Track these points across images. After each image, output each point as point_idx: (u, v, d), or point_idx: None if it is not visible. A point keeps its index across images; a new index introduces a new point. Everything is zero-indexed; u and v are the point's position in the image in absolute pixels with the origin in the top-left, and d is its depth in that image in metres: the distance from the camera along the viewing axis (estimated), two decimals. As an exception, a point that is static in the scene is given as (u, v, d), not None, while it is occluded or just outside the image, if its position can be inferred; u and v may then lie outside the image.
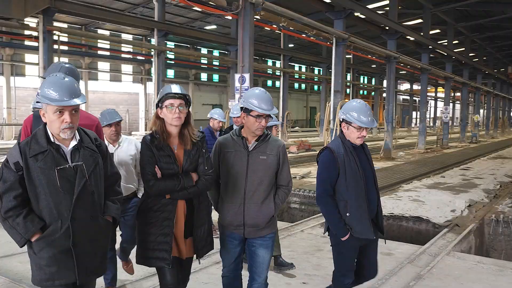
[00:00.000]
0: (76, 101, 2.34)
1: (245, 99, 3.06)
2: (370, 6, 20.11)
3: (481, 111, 39.27)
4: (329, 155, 3.17)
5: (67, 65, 3.24)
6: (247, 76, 10.12)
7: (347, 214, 3.12)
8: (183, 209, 2.87)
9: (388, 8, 19.11)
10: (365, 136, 3.16)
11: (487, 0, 21.88)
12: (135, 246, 3.00)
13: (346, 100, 33.79)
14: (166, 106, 2.77)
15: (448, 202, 8.38)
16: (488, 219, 7.68)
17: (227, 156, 3.09)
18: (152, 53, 18.82)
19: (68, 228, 2.34)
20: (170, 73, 34.64)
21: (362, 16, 17.60)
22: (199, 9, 16.05)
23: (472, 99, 44.44)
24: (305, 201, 9.17)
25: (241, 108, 3.09)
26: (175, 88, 2.81)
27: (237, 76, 10.35)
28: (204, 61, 34.07)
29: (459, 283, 4.66)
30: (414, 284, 4.52)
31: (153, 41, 18.93)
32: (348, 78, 38.28)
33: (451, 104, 46.52)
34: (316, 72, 41.49)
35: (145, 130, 29.80)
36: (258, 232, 3.11)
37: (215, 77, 38.20)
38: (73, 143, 2.42)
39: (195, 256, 3.00)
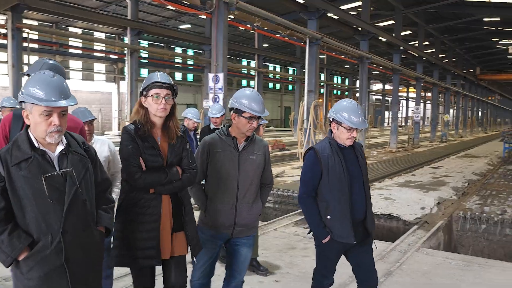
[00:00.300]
0: (67, 102, 2.11)
1: (237, 99, 3.05)
2: (343, 7, 20.37)
3: (451, 111, 40.23)
4: (313, 155, 3.10)
5: (51, 62, 2.94)
6: (221, 75, 10.09)
7: (328, 216, 3.05)
8: (168, 204, 2.73)
9: (361, 9, 19.37)
10: (355, 137, 3.08)
11: (456, 3, 22.41)
12: None
13: (320, 100, 34.14)
14: (151, 95, 2.63)
15: (418, 200, 8.57)
16: (456, 216, 7.90)
17: (216, 156, 3.05)
18: (125, 52, 18.59)
19: (59, 242, 2.08)
20: (144, 72, 34.21)
21: (336, 17, 17.76)
22: (173, 8, 15.91)
23: (442, 99, 45.52)
24: (278, 200, 9.22)
25: (231, 108, 3.09)
26: (163, 77, 2.67)
27: (211, 75, 10.31)
28: (178, 60, 33.81)
29: (428, 278, 4.78)
30: (384, 280, 4.60)
31: (126, 39, 18.67)
32: (322, 78, 38.66)
33: (422, 104, 47.56)
34: (290, 72, 41.71)
35: (118, 130, 29.37)
36: (246, 232, 3.14)
37: (190, 76, 38.00)
38: (60, 147, 2.18)
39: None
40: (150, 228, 2.64)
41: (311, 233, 3.24)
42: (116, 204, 2.68)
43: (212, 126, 6.19)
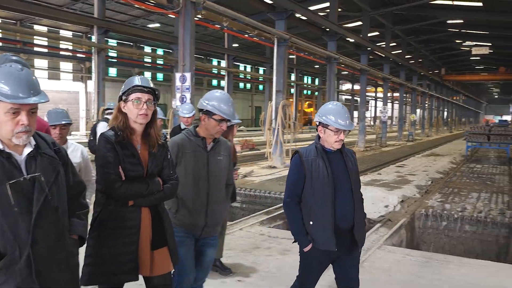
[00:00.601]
0: (37, 99, 1.87)
1: (208, 101, 3.05)
2: (312, 8, 20.56)
3: (418, 110, 41.21)
4: (297, 159, 3.02)
5: (14, 57, 2.67)
6: (188, 75, 10.04)
7: (310, 222, 2.95)
8: (148, 218, 2.55)
9: (329, 10, 19.59)
10: (343, 140, 2.98)
11: (421, 5, 22.98)
12: None
13: (291, 99, 34.18)
14: (132, 100, 2.47)
15: (382, 198, 8.74)
16: (419, 214, 8.08)
17: (187, 157, 3.04)
18: (92, 50, 18.25)
19: (29, 254, 1.87)
20: (113, 71, 33.75)
21: (304, 18, 17.91)
22: (140, 7, 15.70)
23: (409, 99, 46.54)
24: (245, 199, 9.25)
25: (200, 109, 3.09)
26: (144, 81, 2.51)
27: (178, 75, 10.24)
28: (148, 59, 33.42)
29: (388, 275, 4.87)
30: (345, 278, 4.67)
31: (94, 38, 18.33)
32: (292, 78, 38.95)
33: (390, 104, 48.52)
34: (261, 71, 41.83)
35: (86, 130, 28.79)
36: (213, 232, 3.17)
37: (159, 76, 37.62)
38: (28, 149, 1.95)
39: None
40: (129, 242, 2.46)
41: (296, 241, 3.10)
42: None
43: (182, 126, 6.18)
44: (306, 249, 2.96)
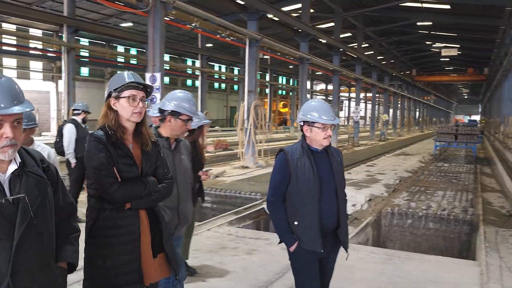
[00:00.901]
0: (21, 108, 1.68)
1: (171, 101, 3.07)
2: (285, 9, 20.71)
3: (391, 110, 41.94)
4: (282, 157, 2.95)
5: None
6: (158, 75, 9.99)
7: (295, 222, 2.87)
8: (146, 221, 2.41)
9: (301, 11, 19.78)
10: (330, 136, 2.91)
11: (392, 7, 23.42)
12: None
13: (266, 99, 34.13)
14: (127, 97, 2.34)
15: (350, 197, 8.82)
16: (385, 212, 8.26)
17: None
18: (62, 50, 17.91)
19: (8, 286, 1.66)
20: (85, 71, 33.20)
21: (276, 19, 18.01)
22: (110, 6, 15.46)
23: (382, 99, 47.35)
24: (216, 200, 9.27)
25: (162, 110, 3.11)
26: (136, 77, 2.39)
27: (148, 75, 10.17)
28: (121, 59, 32.98)
29: (351, 272, 4.97)
30: (309, 276, 4.75)
31: (64, 37, 17.99)
32: (267, 78, 39.10)
33: (363, 104, 49.18)
34: (236, 72, 41.83)
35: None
36: (181, 231, 3.22)
37: (133, 75, 37.13)
38: (12, 167, 1.75)
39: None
40: (130, 249, 2.30)
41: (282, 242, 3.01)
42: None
43: (153, 126, 6.16)
44: (292, 248, 2.88)
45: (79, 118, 7.01)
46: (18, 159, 1.78)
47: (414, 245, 7.83)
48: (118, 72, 2.48)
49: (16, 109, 1.67)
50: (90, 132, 2.44)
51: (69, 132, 6.77)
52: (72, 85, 17.39)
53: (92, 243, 2.30)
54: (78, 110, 7.10)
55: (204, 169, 4.36)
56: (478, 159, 17.75)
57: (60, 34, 27.47)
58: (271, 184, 2.99)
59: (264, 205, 8.13)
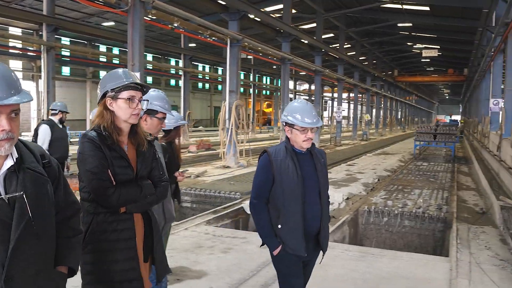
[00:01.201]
0: (19, 98, 1.53)
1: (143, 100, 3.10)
2: (268, 9, 20.81)
3: (374, 110, 42.38)
4: (265, 159, 2.87)
5: None
6: (137, 75, 9.93)
7: (279, 225, 2.80)
8: (141, 225, 2.34)
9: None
10: (311, 138, 2.83)
11: (373, 8, 23.70)
12: None
13: (250, 100, 34.17)
14: (127, 98, 2.26)
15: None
16: (362, 210, 8.38)
17: None
18: (42, 49, 17.71)
19: None
20: (66, 70, 32.83)
21: (258, 19, 18.09)
22: (89, 5, 15.34)
23: (365, 99, 47.79)
24: (196, 199, 9.29)
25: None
26: (134, 76, 2.31)
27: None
28: (103, 59, 32.69)
29: (324, 270, 5.04)
30: (282, 274, 4.82)
31: (43, 36, 17.79)
32: (251, 78, 39.17)
33: (346, 104, 49.61)
34: (219, 72, 41.81)
35: (37, 130, 27.91)
36: (167, 228, 3.34)
37: (115, 75, 36.85)
38: (9, 163, 1.60)
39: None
40: (129, 256, 2.24)
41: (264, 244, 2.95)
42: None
43: None
44: (276, 251, 2.82)
45: (56, 118, 6.94)
46: (15, 154, 1.63)
47: (390, 243, 7.96)
48: (113, 70, 2.39)
49: (14, 100, 1.51)
50: (83, 132, 2.34)
51: (43, 133, 6.71)
52: (52, 84, 17.24)
53: (88, 249, 2.21)
54: (55, 110, 7.03)
55: (181, 170, 4.39)
56: (456, 158, 18.06)
57: (40, 33, 27.21)
58: (254, 186, 2.92)
59: (243, 204, 8.19)
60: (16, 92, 1.53)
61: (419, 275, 4.90)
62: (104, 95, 2.31)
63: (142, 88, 2.34)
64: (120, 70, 2.34)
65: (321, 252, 3.03)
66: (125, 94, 2.27)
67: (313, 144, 2.91)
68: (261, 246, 3.00)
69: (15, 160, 1.61)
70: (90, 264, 2.21)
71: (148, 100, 2.56)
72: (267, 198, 2.86)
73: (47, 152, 1.87)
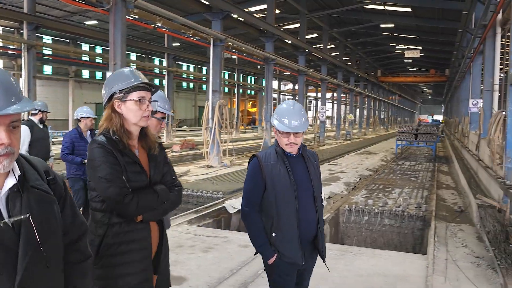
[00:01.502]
0: (20, 107, 1.33)
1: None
2: (252, 9, 20.84)
3: (358, 110, 42.73)
4: (255, 164, 2.73)
5: None
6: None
7: (273, 234, 2.67)
8: (157, 234, 2.21)
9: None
10: (296, 144, 2.68)
11: (356, 9, 23.91)
12: None
13: (235, 99, 34.04)
14: (138, 99, 2.12)
15: (310, 195, 9.05)
16: (343, 209, 8.47)
17: None
18: (22, 47, 17.46)
19: None
20: (48, 69, 32.42)
21: (241, 19, 18.12)
22: (71, 4, 15.17)
23: (348, 99, 48.17)
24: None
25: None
26: (141, 75, 2.17)
27: (109, 74, 10.08)
28: (86, 58, 32.36)
29: (303, 268, 5.11)
30: (262, 272, 4.85)
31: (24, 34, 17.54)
32: (235, 78, 39.17)
33: (330, 104, 49.92)
34: (204, 71, 41.72)
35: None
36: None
37: (98, 74, 36.55)
38: (10, 181, 1.40)
39: None
40: (143, 268, 2.09)
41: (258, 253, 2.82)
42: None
43: None
44: (271, 261, 2.68)
45: (36, 118, 6.83)
46: (18, 171, 1.43)
47: (371, 241, 8.06)
48: (120, 69, 2.27)
49: (14, 109, 1.31)
50: (93, 138, 2.17)
51: (23, 134, 6.58)
52: (33, 83, 17.02)
53: (101, 264, 2.04)
54: (35, 110, 6.93)
55: None
56: (437, 157, 18.33)
57: (21, 31, 26.77)
58: (245, 193, 2.78)
59: (225, 204, 8.21)
60: (17, 100, 1.33)
61: (396, 272, 4.98)
62: (111, 97, 2.16)
63: (151, 88, 2.22)
64: (127, 70, 2.21)
65: (320, 260, 2.91)
66: (134, 95, 2.13)
67: (304, 147, 2.80)
68: (254, 254, 2.87)
69: (17, 178, 1.41)
70: (104, 279, 2.05)
71: (157, 101, 2.46)
72: (259, 205, 2.72)
73: (50, 167, 1.71)
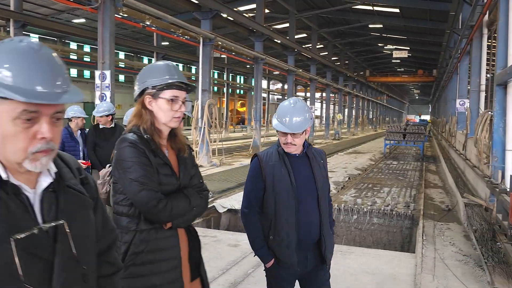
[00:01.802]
0: (68, 96, 1.10)
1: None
2: (241, 8, 20.82)
3: (346, 110, 42.96)
4: (255, 164, 2.63)
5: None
6: (108, 73, 9.85)
7: (270, 237, 2.56)
8: (186, 241, 2.05)
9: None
10: (294, 144, 2.53)
11: (344, 9, 24.03)
12: None
13: (224, 99, 33.99)
14: (167, 98, 1.98)
15: (299, 194, 9.08)
16: (332, 208, 8.50)
17: None
18: (8, 45, 17.25)
19: None
20: (34, 67, 32.05)
21: (231, 18, 18.11)
22: (59, 1, 15.04)
23: (337, 99, 48.39)
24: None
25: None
26: (179, 73, 2.01)
27: (97, 73, 10.01)
28: (73, 56, 32.06)
29: (293, 267, 5.13)
30: (252, 272, 4.86)
31: (11, 32, 17.34)
32: (225, 77, 39.12)
33: (319, 104, 50.10)
34: (193, 70, 41.59)
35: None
36: None
37: (86, 73, 36.26)
38: (46, 180, 1.18)
39: None
40: (172, 279, 1.95)
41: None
42: None
43: (101, 126, 6.10)
44: (269, 264, 2.59)
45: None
46: (53, 169, 1.22)
47: (360, 240, 8.10)
48: (155, 62, 2.11)
49: (65, 99, 1.09)
50: (122, 136, 2.02)
51: None
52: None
53: (127, 272, 1.87)
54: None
55: None
56: (425, 157, 18.51)
57: (7, 29, 26.44)
58: (245, 193, 2.68)
59: (215, 204, 8.20)
60: (65, 88, 1.11)
61: (385, 271, 5.02)
62: (142, 92, 2.02)
63: (187, 87, 2.04)
64: (163, 64, 2.03)
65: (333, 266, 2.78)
66: (167, 93, 1.98)
67: (310, 145, 2.67)
68: (254, 256, 2.74)
69: (53, 177, 1.20)
70: None
71: (191, 101, 2.31)
72: (259, 206, 2.62)
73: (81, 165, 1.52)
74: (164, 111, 1.98)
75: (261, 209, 2.62)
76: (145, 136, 1.96)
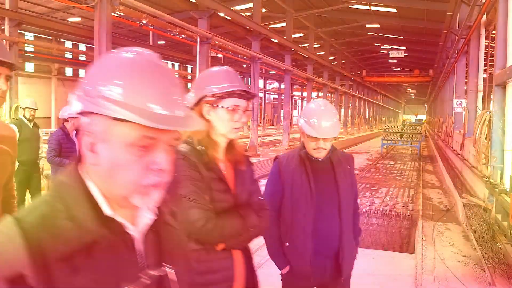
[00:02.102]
0: (193, 122, 0.94)
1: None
2: (238, 7, 20.76)
3: (343, 110, 42.95)
4: (275, 167, 2.53)
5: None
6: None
7: (286, 243, 2.46)
8: (242, 264, 1.85)
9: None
10: (325, 148, 2.40)
11: (342, 9, 24.00)
12: None
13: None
14: (227, 108, 1.80)
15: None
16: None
17: None
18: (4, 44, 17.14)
19: None
20: (29, 67, 31.89)
21: (228, 17, 18.06)
22: (55, 0, 14.99)
23: (334, 99, 48.40)
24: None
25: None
26: (239, 80, 1.84)
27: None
28: (69, 55, 31.91)
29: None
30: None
31: (6, 31, 17.20)
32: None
33: (316, 104, 49.94)
34: (189, 70, 41.53)
35: None
36: None
37: (82, 72, 36.08)
38: (146, 216, 0.99)
39: None
40: None
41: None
42: None
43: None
44: (284, 271, 2.50)
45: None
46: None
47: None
48: (213, 68, 1.92)
49: (191, 124, 0.92)
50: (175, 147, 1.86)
51: None
52: (14, 81, 16.68)
53: None
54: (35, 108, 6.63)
55: None
56: (422, 157, 18.52)
57: (2, 27, 26.27)
58: (263, 197, 2.48)
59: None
60: (187, 110, 0.94)
61: (385, 271, 4.99)
62: (199, 100, 1.83)
63: (249, 95, 1.87)
64: (222, 71, 1.86)
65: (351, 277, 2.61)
66: (227, 102, 1.80)
67: (335, 149, 2.51)
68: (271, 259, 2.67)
69: (155, 211, 1.01)
70: None
71: (251, 110, 2.16)
72: (277, 211, 2.49)
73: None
74: (224, 121, 1.81)
75: (279, 213, 2.51)
76: (198, 148, 1.80)
